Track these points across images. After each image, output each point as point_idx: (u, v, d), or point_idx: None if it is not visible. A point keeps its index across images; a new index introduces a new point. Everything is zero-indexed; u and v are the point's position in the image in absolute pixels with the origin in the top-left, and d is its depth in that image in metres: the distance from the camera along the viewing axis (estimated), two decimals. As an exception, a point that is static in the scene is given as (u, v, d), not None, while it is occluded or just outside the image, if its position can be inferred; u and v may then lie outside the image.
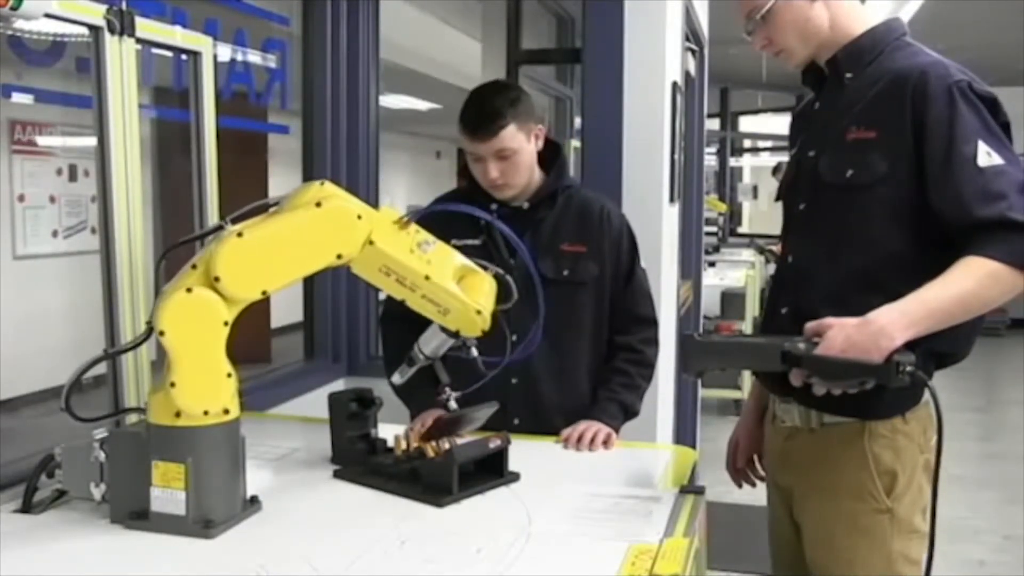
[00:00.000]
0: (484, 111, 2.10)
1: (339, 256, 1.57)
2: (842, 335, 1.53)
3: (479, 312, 1.66)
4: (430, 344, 1.77)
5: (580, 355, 2.21)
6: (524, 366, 2.09)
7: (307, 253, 1.56)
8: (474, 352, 1.74)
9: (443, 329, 1.72)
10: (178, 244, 1.72)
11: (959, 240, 1.58)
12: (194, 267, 1.51)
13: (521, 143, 2.11)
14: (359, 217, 1.57)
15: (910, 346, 1.53)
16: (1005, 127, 1.65)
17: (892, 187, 1.66)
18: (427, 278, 1.62)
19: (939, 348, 1.66)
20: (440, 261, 1.66)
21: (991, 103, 1.64)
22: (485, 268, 1.75)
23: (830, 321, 1.56)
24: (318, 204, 1.54)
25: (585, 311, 2.20)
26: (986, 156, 1.58)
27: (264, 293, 1.52)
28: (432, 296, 1.64)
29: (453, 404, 1.80)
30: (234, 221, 1.55)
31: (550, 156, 2.22)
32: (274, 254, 1.53)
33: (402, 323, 1.89)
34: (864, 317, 1.54)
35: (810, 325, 1.59)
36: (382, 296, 3.26)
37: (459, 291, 1.66)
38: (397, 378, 1.85)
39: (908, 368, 1.50)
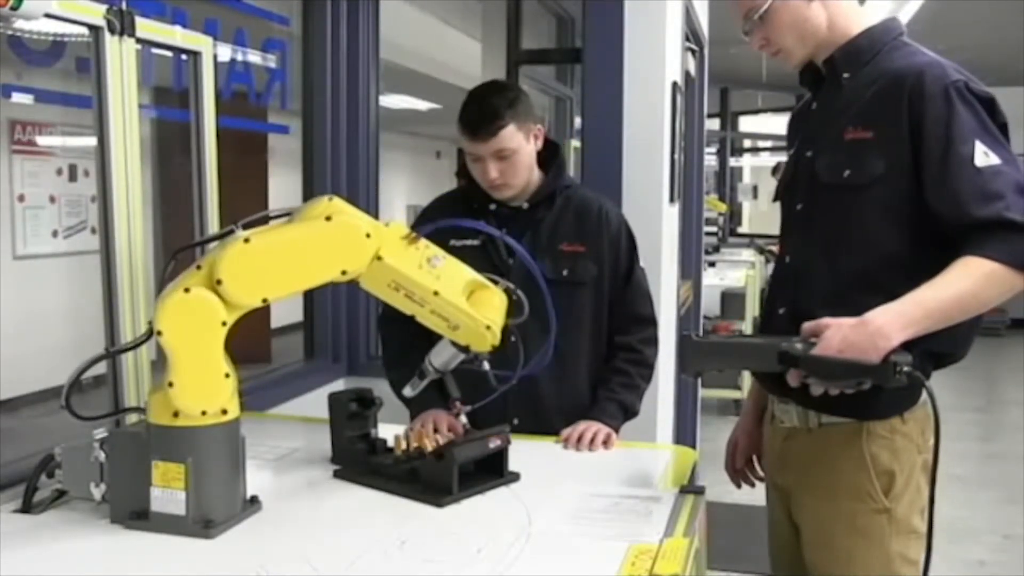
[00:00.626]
0: (483, 111, 2.10)
1: (344, 272, 1.56)
2: (839, 335, 1.53)
3: (489, 328, 1.66)
4: (440, 358, 1.76)
5: (580, 355, 2.21)
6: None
7: (312, 266, 1.56)
8: (486, 366, 1.74)
9: (453, 344, 1.71)
10: (190, 246, 1.72)
11: (956, 240, 1.58)
12: (199, 268, 1.51)
13: (520, 143, 2.12)
14: (368, 235, 1.56)
15: (907, 346, 1.53)
16: (1003, 127, 1.64)
17: (889, 187, 1.66)
18: (436, 294, 1.62)
19: (936, 348, 1.66)
20: (449, 276, 1.66)
21: (988, 103, 1.64)
22: (495, 283, 1.74)
23: (827, 321, 1.56)
24: (328, 218, 1.54)
25: (585, 311, 2.20)
26: (983, 156, 1.58)
27: (265, 301, 1.52)
28: (441, 311, 1.64)
29: (463, 419, 1.80)
30: (245, 227, 1.54)
31: (549, 156, 2.23)
32: (279, 263, 1.53)
33: (403, 324, 1.90)
34: (861, 317, 1.54)
35: (807, 325, 1.59)
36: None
37: (468, 307, 1.66)
38: (408, 391, 1.84)
39: (905, 368, 1.50)
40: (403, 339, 2.06)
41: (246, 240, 1.50)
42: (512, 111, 2.10)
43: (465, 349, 1.71)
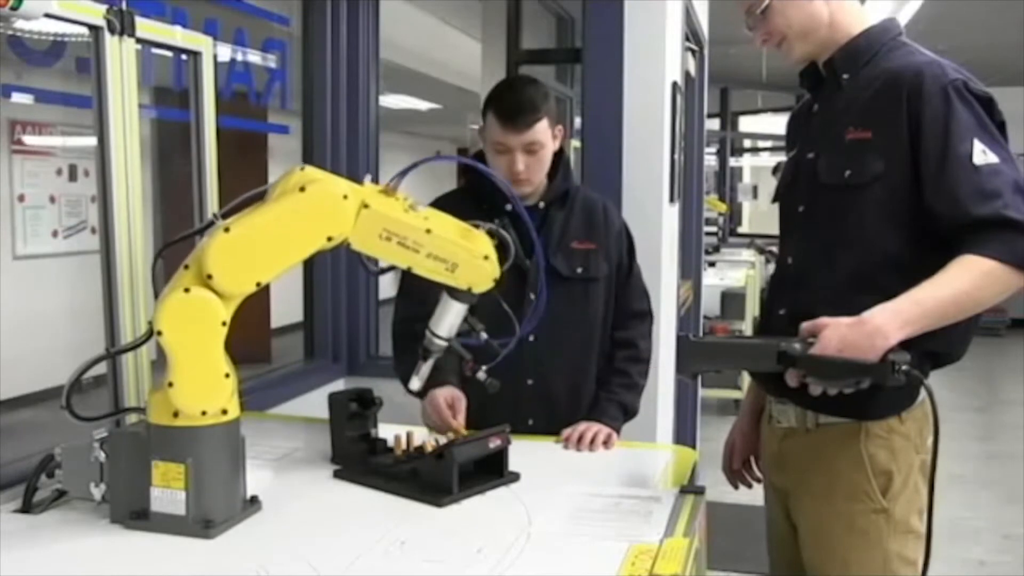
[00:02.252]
0: (521, 102, 2.09)
1: (330, 238, 1.54)
2: (837, 335, 1.53)
3: (486, 257, 1.62)
4: (442, 324, 1.70)
5: (592, 352, 2.22)
6: (538, 367, 2.10)
7: (296, 240, 1.54)
8: (483, 336, 1.70)
9: (452, 295, 1.66)
10: (171, 243, 1.70)
11: (954, 239, 1.58)
12: (187, 267, 1.50)
13: (548, 139, 2.12)
14: (345, 197, 1.54)
15: (905, 346, 1.53)
16: (1001, 126, 1.65)
17: (888, 187, 1.66)
18: (429, 232, 1.59)
19: (934, 348, 1.66)
20: (436, 217, 1.64)
21: (986, 102, 1.64)
22: (477, 227, 1.69)
23: (825, 321, 1.56)
24: (302, 189, 1.53)
25: (598, 308, 2.22)
26: (981, 155, 1.58)
27: (258, 285, 1.51)
28: (437, 251, 1.60)
29: (482, 375, 1.74)
30: (225, 216, 1.53)
31: (555, 157, 2.23)
32: (263, 245, 1.52)
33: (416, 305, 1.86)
34: (859, 316, 1.54)
35: (805, 325, 1.59)
36: (382, 296, 3.27)
37: (463, 240, 1.62)
38: (416, 384, 1.79)
39: (903, 367, 1.50)
40: (417, 312, 2.05)
41: (226, 229, 1.49)
42: (547, 105, 2.11)
43: (467, 293, 1.65)
